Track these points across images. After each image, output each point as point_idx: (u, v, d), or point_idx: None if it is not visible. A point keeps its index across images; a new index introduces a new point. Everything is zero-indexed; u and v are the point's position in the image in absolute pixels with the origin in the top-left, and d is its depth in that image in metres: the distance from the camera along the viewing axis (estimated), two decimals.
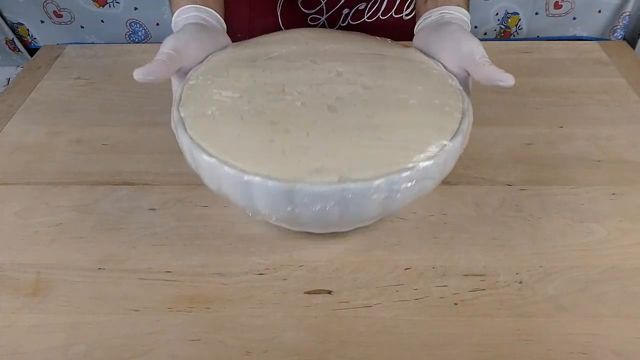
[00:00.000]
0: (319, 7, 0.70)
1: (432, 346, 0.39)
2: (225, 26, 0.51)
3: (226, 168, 0.36)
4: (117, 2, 1.58)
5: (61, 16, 1.60)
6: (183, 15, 0.47)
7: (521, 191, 0.51)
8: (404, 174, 0.35)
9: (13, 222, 0.50)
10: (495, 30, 1.63)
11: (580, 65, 0.69)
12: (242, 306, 0.42)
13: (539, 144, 0.57)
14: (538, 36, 1.56)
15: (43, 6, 1.57)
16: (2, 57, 1.69)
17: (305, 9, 0.71)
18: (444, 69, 0.44)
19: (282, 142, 0.36)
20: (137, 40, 1.70)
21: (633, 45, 1.40)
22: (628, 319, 0.40)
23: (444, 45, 0.44)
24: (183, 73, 0.44)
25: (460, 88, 0.42)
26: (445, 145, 0.37)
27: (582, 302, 0.41)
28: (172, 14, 0.49)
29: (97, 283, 0.44)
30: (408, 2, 0.74)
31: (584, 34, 1.52)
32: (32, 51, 1.68)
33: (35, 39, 1.67)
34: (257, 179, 0.35)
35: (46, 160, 0.57)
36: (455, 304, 0.42)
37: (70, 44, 0.80)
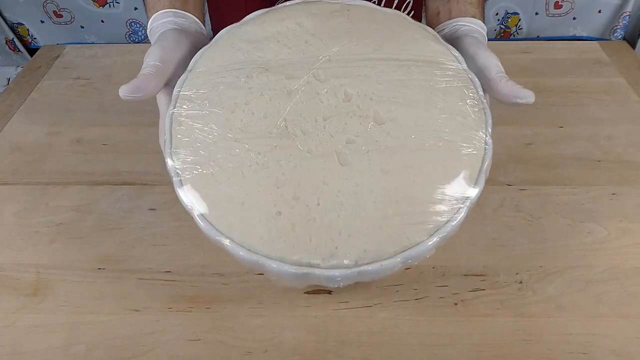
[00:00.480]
0: None
1: (432, 346, 0.39)
2: (206, 32, 0.47)
3: (233, 246, 0.32)
4: (117, 2, 1.58)
5: (61, 16, 1.60)
6: (160, 21, 0.43)
7: (521, 191, 0.51)
8: (424, 248, 0.32)
9: (13, 222, 0.50)
10: (495, 30, 1.63)
11: (580, 65, 0.69)
12: (242, 306, 0.42)
13: (539, 144, 0.57)
14: (538, 36, 1.56)
15: (43, 6, 1.57)
16: (2, 57, 1.69)
17: None
18: (465, 69, 0.39)
19: (291, 213, 0.32)
20: (137, 40, 1.70)
21: (633, 45, 1.40)
22: (628, 319, 0.40)
23: None
24: (170, 86, 0.39)
25: (483, 99, 0.38)
26: (467, 200, 0.34)
27: (582, 302, 0.41)
28: (148, 18, 0.45)
29: (97, 283, 0.44)
30: (405, 5, 0.74)
31: (584, 34, 1.52)
32: (32, 51, 1.68)
33: (35, 39, 1.67)
34: (269, 262, 0.32)
35: (46, 160, 0.57)
36: (455, 304, 0.42)
37: (70, 44, 0.80)
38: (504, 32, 1.60)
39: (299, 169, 0.33)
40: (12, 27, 1.65)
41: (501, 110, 0.61)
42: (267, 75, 0.38)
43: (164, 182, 0.53)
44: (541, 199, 0.50)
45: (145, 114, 0.62)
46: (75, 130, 0.61)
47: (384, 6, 0.72)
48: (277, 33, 0.40)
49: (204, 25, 0.47)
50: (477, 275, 0.44)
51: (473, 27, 0.44)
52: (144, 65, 0.37)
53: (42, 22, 1.62)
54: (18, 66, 1.71)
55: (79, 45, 0.77)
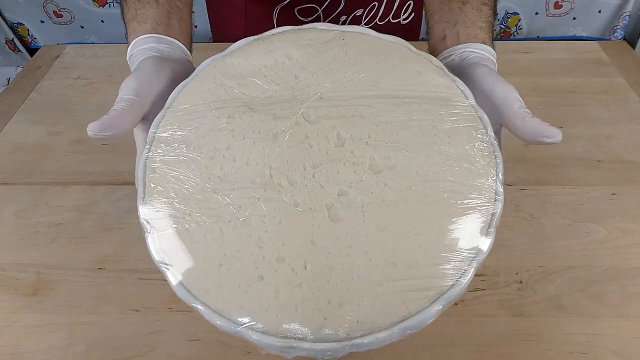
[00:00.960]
0: (315, 15, 0.70)
1: (433, 346, 0.39)
2: (191, 58, 0.44)
3: (210, 314, 0.29)
4: (117, 2, 1.58)
5: (61, 16, 1.60)
6: (140, 47, 0.40)
7: (521, 191, 0.51)
8: (424, 317, 0.29)
9: (13, 222, 0.50)
10: (495, 30, 1.63)
11: (580, 65, 0.69)
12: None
13: None
14: (538, 36, 1.56)
15: (43, 6, 1.57)
16: (2, 57, 1.70)
17: (301, 16, 0.70)
18: (472, 105, 0.35)
19: (275, 279, 0.29)
20: None
21: (633, 45, 1.40)
22: (628, 319, 0.40)
23: (473, 92, 0.36)
24: (149, 120, 0.35)
25: (494, 141, 0.34)
26: (475, 261, 0.30)
27: (582, 302, 0.41)
28: (129, 43, 0.41)
29: (97, 283, 0.44)
30: (405, 7, 0.74)
31: (584, 34, 1.52)
32: (32, 51, 1.68)
33: (35, 39, 1.67)
34: (249, 333, 0.28)
35: (46, 160, 0.57)
36: (455, 304, 0.41)
37: (70, 44, 0.80)
38: (504, 32, 1.60)
39: (284, 225, 0.30)
40: (12, 27, 1.65)
41: None
42: (251, 116, 0.34)
43: None
44: (541, 199, 0.50)
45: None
46: (75, 130, 0.61)
47: (384, 10, 0.72)
48: (264, 67, 0.37)
49: (191, 50, 0.44)
50: (477, 275, 0.43)
51: (484, 54, 0.40)
52: (117, 99, 0.34)
53: (42, 22, 1.62)
54: (18, 66, 1.71)
55: (79, 45, 0.77)
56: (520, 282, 0.43)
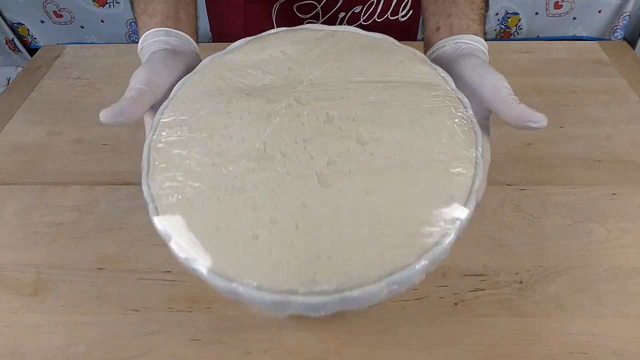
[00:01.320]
0: (314, 12, 0.70)
1: (432, 346, 0.39)
2: (198, 50, 0.46)
3: (208, 274, 0.31)
4: (117, 2, 1.58)
5: (61, 16, 1.60)
6: (151, 40, 0.42)
7: (521, 191, 0.51)
8: (410, 273, 0.30)
9: (13, 222, 0.50)
10: (495, 30, 1.63)
11: (580, 65, 0.69)
12: (242, 306, 0.42)
13: (539, 144, 0.57)
14: (538, 36, 1.56)
15: (43, 6, 1.57)
16: (2, 57, 1.70)
17: (300, 13, 0.70)
18: (453, 89, 0.38)
19: (268, 238, 0.31)
20: (137, 40, 1.71)
21: (633, 45, 1.40)
22: (628, 319, 0.40)
23: (464, 81, 0.39)
24: (156, 108, 0.38)
25: (473, 119, 0.36)
26: (456, 221, 0.32)
27: (582, 302, 0.41)
28: (139, 37, 0.44)
29: (97, 283, 0.44)
30: (404, 4, 0.74)
31: (584, 34, 1.52)
32: (32, 51, 1.69)
33: (35, 39, 1.67)
34: (243, 289, 0.30)
35: (46, 160, 0.57)
36: (455, 304, 0.42)
37: (70, 44, 0.80)
38: (504, 32, 1.61)
39: (277, 191, 0.32)
40: (12, 27, 1.65)
41: None
42: (247, 100, 0.37)
43: None
44: (541, 199, 0.50)
45: None
46: (75, 130, 0.61)
47: (382, 7, 0.72)
48: (260, 61, 0.40)
49: (197, 43, 0.46)
50: (477, 275, 0.44)
51: (476, 45, 0.42)
52: (128, 88, 0.36)
53: (42, 22, 1.62)
54: (18, 66, 1.72)
55: (79, 45, 0.77)
56: (520, 282, 0.43)
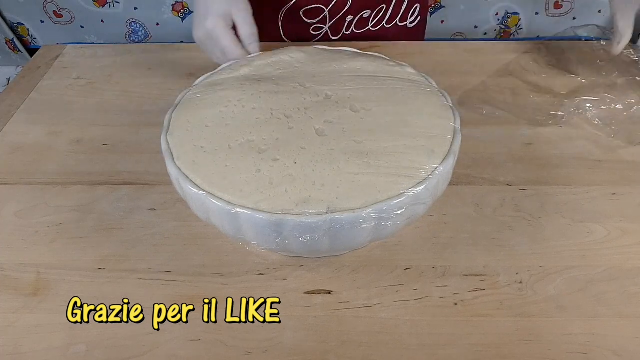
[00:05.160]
0: (322, 16, 0.69)
1: (432, 346, 0.39)
2: None
3: (213, 200, 0.36)
4: (117, 2, 1.58)
5: (61, 16, 1.61)
6: None
7: (521, 191, 0.51)
8: (394, 202, 0.35)
9: (13, 222, 0.50)
10: (495, 30, 1.63)
11: (581, 65, 0.69)
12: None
13: (539, 144, 0.57)
14: (538, 36, 1.56)
15: (43, 6, 1.57)
16: (2, 57, 1.70)
17: (307, 18, 0.70)
18: (435, 86, 0.45)
19: (270, 171, 0.37)
20: (137, 40, 1.71)
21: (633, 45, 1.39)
22: (628, 319, 0.40)
23: None
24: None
25: (452, 105, 0.43)
26: (436, 169, 0.37)
27: (582, 302, 0.41)
28: None
29: (97, 283, 0.44)
30: (412, 10, 0.74)
31: (584, 34, 1.52)
32: (32, 51, 1.69)
33: (35, 39, 1.67)
34: (245, 211, 0.35)
35: (46, 160, 0.57)
36: (455, 304, 0.42)
37: (70, 44, 0.80)
38: (504, 32, 1.61)
39: (280, 140, 0.39)
40: (12, 27, 1.65)
41: (501, 111, 0.61)
42: (259, 83, 0.45)
43: (164, 182, 0.53)
44: (541, 199, 0.50)
45: (146, 114, 0.62)
46: (75, 130, 0.61)
47: (392, 13, 0.72)
48: (272, 61, 0.49)
49: None
50: (477, 275, 0.44)
51: None
52: (247, 35, 0.54)
53: (42, 22, 1.62)
54: (18, 66, 1.72)
55: (79, 45, 0.77)
56: (520, 282, 0.43)
